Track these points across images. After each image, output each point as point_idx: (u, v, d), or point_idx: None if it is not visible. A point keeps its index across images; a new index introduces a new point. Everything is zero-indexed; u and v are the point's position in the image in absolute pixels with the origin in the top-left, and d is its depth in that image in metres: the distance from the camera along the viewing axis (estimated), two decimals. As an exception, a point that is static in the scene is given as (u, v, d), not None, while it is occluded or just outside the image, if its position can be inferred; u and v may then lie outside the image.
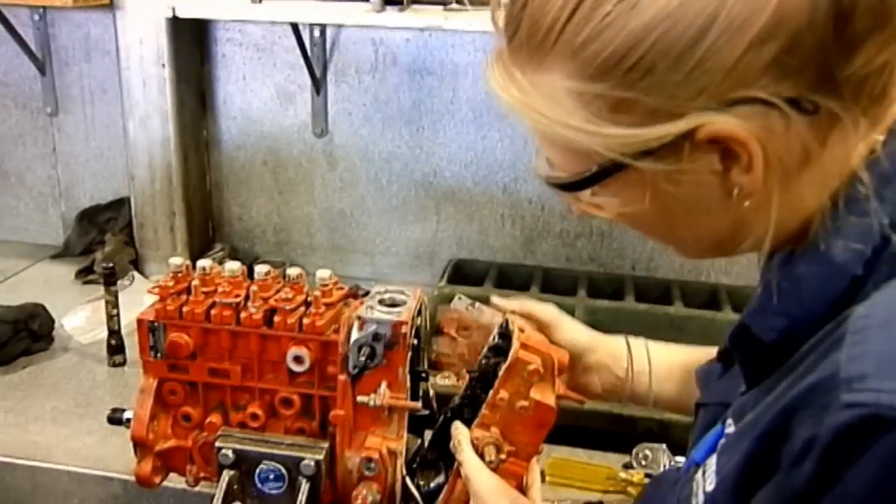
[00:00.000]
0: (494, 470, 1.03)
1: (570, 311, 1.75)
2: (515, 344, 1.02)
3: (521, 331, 1.04)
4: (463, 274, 1.98)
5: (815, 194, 0.68)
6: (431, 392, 1.17)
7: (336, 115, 1.98)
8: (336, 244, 2.10)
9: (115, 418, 1.15)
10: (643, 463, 1.34)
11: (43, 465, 1.35)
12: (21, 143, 2.17)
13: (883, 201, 0.65)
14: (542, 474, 1.33)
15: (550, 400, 1.05)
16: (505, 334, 1.07)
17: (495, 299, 1.15)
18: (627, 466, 1.34)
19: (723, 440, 0.71)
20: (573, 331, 1.13)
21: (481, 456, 1.02)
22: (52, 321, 1.71)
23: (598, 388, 1.13)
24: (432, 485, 1.09)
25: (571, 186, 0.70)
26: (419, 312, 1.12)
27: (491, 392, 1.03)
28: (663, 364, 1.10)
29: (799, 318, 0.68)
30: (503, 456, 1.03)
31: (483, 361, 1.08)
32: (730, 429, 0.72)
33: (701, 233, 0.73)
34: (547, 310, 1.14)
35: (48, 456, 1.36)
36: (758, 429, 0.63)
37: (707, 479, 0.69)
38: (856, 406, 0.55)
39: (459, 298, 1.93)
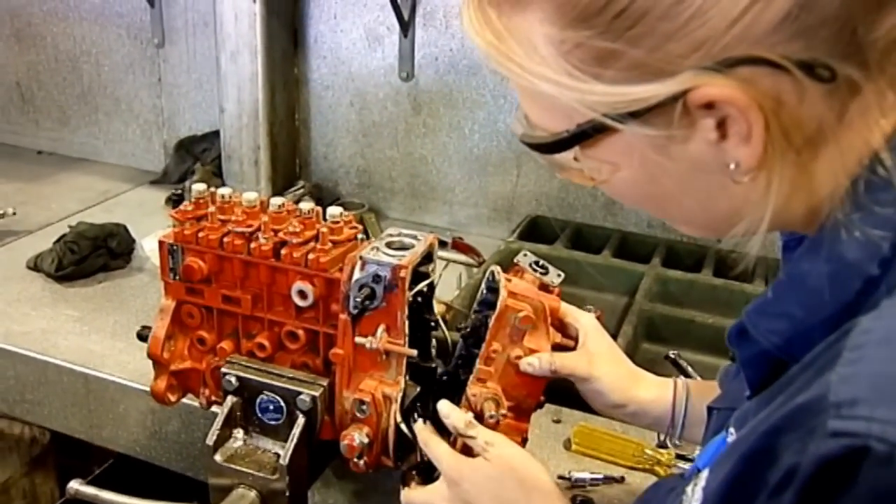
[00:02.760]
0: (496, 426, 1.00)
1: (639, 278, 1.70)
2: (502, 293, 0.98)
3: (508, 280, 0.99)
4: (538, 231, 1.93)
5: (829, 177, 0.59)
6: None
7: (422, 59, 1.96)
8: (416, 190, 2.08)
9: (143, 335, 1.19)
10: (677, 443, 1.26)
11: (94, 373, 1.42)
12: (131, 73, 2.27)
13: None
14: (568, 441, 1.29)
15: (546, 347, 1.01)
16: (493, 287, 1.03)
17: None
18: (662, 445, 1.27)
19: (722, 451, 0.65)
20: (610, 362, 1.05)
21: (480, 413, 0.99)
22: (132, 241, 1.80)
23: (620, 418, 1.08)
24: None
25: (548, 148, 0.64)
26: (430, 259, 1.09)
27: (483, 345, 1.00)
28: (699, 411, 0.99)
29: (802, 322, 0.60)
30: (503, 411, 1.00)
31: (472, 317, 1.04)
32: (731, 437, 0.66)
33: (692, 209, 0.65)
34: (585, 318, 1.07)
35: (100, 365, 1.44)
36: (743, 447, 0.56)
37: (695, 495, 0.63)
38: (843, 435, 0.49)
39: (525, 255, 1.89)
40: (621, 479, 1.22)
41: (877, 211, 0.57)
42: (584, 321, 1.05)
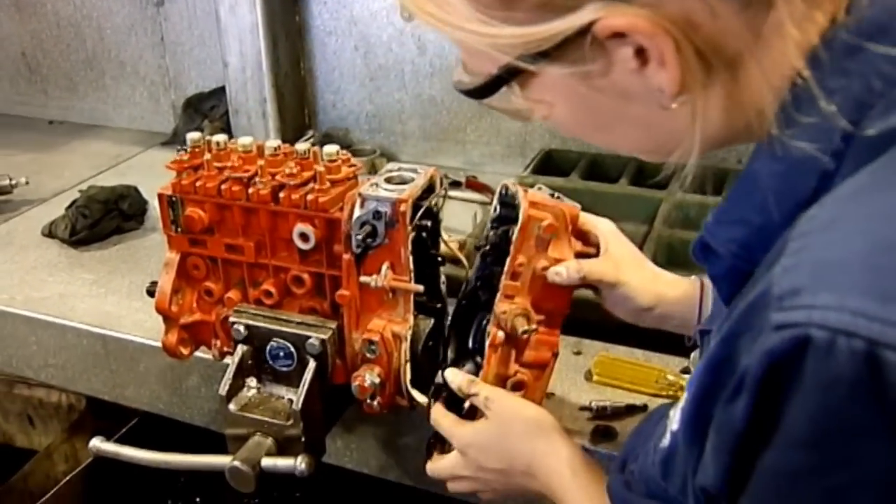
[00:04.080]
0: (527, 342, 0.99)
1: (658, 205, 1.65)
2: (523, 203, 0.95)
3: (525, 191, 0.97)
4: (553, 164, 1.89)
5: (757, 93, 0.58)
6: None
7: (424, -4, 1.90)
8: (427, 132, 2.04)
9: (152, 291, 1.18)
10: (702, 364, 1.23)
11: (112, 334, 1.42)
12: (133, 34, 2.24)
13: (832, 93, 0.55)
14: (589, 372, 1.26)
15: (570, 256, 1.00)
16: (506, 202, 1.00)
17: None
18: (685, 371, 1.24)
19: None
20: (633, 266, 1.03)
21: (512, 330, 0.97)
22: (144, 202, 1.79)
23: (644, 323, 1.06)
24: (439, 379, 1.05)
25: (474, 93, 0.65)
26: (432, 193, 1.06)
27: (508, 260, 0.97)
28: None
29: (760, 227, 0.59)
30: (534, 326, 0.99)
31: (490, 234, 1.02)
32: None
33: (635, 137, 0.66)
34: (603, 224, 1.06)
35: (118, 326, 1.43)
36: (708, 357, 0.55)
37: (675, 417, 0.62)
38: (785, 327, 0.47)
39: (539, 189, 1.85)
40: (644, 408, 1.19)
41: (811, 120, 0.56)
42: (603, 227, 1.04)
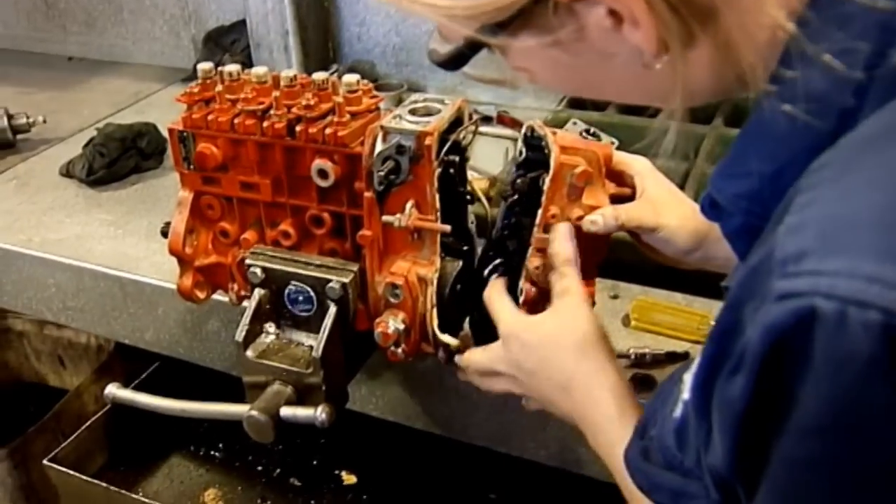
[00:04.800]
0: None
1: (700, 140, 1.55)
2: (554, 149, 0.87)
3: (553, 133, 0.88)
4: (588, 98, 1.79)
5: (744, 41, 0.54)
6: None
7: (452, -82, 1.79)
8: (457, 65, 1.95)
9: (165, 231, 1.13)
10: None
11: (130, 276, 1.38)
12: (151, -36, 2.16)
13: (847, 20, 0.49)
14: (626, 318, 1.19)
15: (604, 202, 0.92)
16: (532, 144, 0.92)
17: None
18: (729, 315, 1.17)
19: None
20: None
21: (544, 285, 0.90)
22: (163, 140, 1.72)
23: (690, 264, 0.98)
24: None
25: (444, 64, 0.62)
26: (460, 125, 0.98)
27: (539, 213, 0.90)
28: None
29: (771, 178, 0.53)
30: None
31: (517, 182, 0.94)
32: None
33: (628, 92, 0.64)
34: (639, 163, 0.97)
35: (135, 268, 1.39)
36: (715, 326, 0.50)
37: (686, 386, 0.57)
38: (788, 297, 0.41)
39: (574, 124, 1.75)
40: (685, 355, 1.12)
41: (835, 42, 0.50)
42: (639, 166, 0.95)
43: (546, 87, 0.66)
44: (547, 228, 0.91)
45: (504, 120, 1.77)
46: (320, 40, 1.99)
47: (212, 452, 1.39)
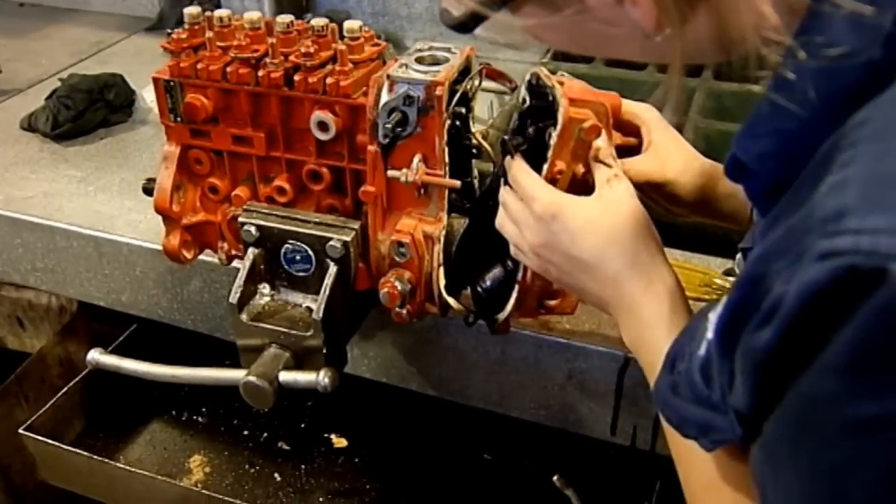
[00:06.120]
0: None
1: (691, 94, 1.53)
2: (562, 101, 0.82)
3: (561, 84, 0.84)
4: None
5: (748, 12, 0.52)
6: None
7: None
8: (436, 14, 1.86)
9: (148, 189, 1.06)
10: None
11: (105, 235, 1.31)
12: None
13: None
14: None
15: (612, 154, 0.87)
16: (538, 92, 0.87)
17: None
18: (728, 273, 1.15)
19: None
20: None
21: None
22: (131, 92, 1.64)
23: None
24: (488, 281, 0.94)
25: (458, 26, 0.60)
26: (467, 75, 0.93)
27: (545, 167, 0.85)
28: None
29: (798, 135, 0.51)
30: None
31: (528, 130, 0.88)
32: None
33: (630, 55, 0.61)
34: (646, 112, 0.94)
35: (110, 227, 1.32)
36: (742, 276, 0.50)
37: (710, 325, 0.56)
38: (829, 256, 0.40)
39: (562, 75, 1.71)
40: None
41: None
42: (646, 115, 0.92)
43: (557, 47, 0.64)
44: (553, 183, 0.87)
45: (489, 72, 1.71)
46: (293, -12, 1.90)
47: (195, 417, 1.35)
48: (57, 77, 1.68)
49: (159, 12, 2.07)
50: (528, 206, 0.80)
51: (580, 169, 0.87)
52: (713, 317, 0.56)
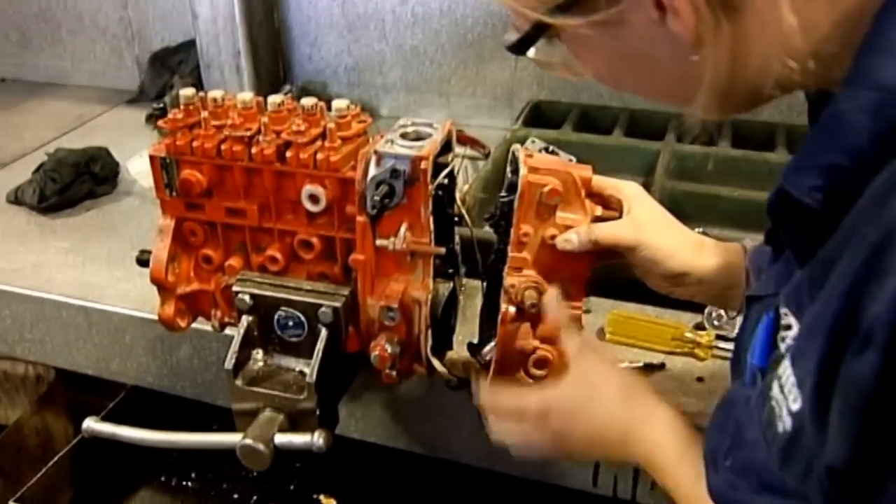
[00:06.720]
0: (539, 315, 0.93)
1: (655, 156, 1.61)
2: (522, 169, 0.89)
3: (529, 156, 0.90)
4: (542, 116, 1.83)
5: (768, 40, 0.58)
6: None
7: (405, -60, 1.81)
8: (410, 84, 1.96)
9: (143, 260, 1.10)
10: (716, 323, 1.20)
11: (94, 305, 1.34)
12: (90, -18, 2.11)
13: None
14: (601, 331, 1.22)
15: (584, 222, 0.92)
16: (517, 169, 0.93)
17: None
18: (699, 327, 1.20)
19: (791, 342, 0.57)
20: (670, 235, 0.94)
21: (521, 303, 0.91)
22: (116, 164, 1.69)
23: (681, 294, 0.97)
24: (487, 356, 0.99)
25: (513, 48, 0.69)
26: (449, 148, 0.99)
27: (512, 231, 0.91)
28: None
29: (847, 170, 0.54)
30: None
31: (500, 202, 0.95)
32: (787, 319, 0.58)
33: (673, 86, 0.66)
34: (629, 188, 0.96)
35: (100, 296, 1.35)
36: (826, 319, 0.49)
37: (790, 396, 0.54)
38: None
39: (533, 142, 1.78)
40: (661, 366, 1.16)
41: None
42: (628, 190, 0.95)
43: (597, 76, 0.70)
44: (520, 247, 0.93)
45: (461, 138, 1.79)
46: (272, 60, 1.97)
47: (184, 483, 1.37)
48: (43, 151, 1.72)
49: (140, 84, 2.13)
50: (520, 416, 0.86)
51: (548, 231, 0.92)
52: (784, 392, 0.55)
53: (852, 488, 0.48)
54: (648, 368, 1.15)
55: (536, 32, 0.66)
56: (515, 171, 0.96)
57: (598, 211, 0.95)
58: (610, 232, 0.91)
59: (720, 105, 0.63)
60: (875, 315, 0.45)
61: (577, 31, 0.63)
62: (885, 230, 0.46)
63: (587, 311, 1.26)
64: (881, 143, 0.51)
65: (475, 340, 1.04)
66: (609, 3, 0.60)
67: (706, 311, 1.22)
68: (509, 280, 0.93)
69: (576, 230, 0.91)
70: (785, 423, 0.55)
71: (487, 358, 0.96)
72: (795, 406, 0.53)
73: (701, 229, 1.42)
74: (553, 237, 0.92)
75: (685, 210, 1.49)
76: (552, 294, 0.91)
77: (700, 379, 1.13)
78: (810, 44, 0.57)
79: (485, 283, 1.02)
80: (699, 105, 0.62)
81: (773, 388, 0.57)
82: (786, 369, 0.55)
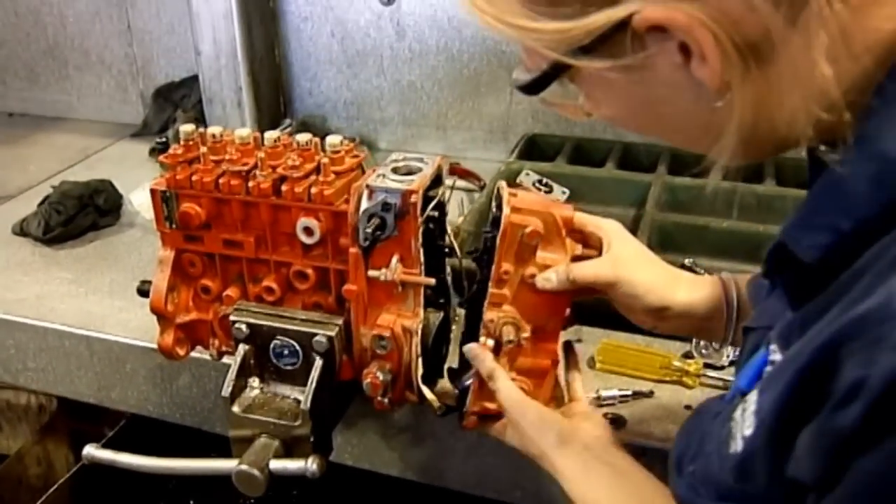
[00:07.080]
0: (518, 351, 0.95)
1: (647, 188, 1.64)
2: (505, 209, 0.92)
3: (513, 195, 0.93)
4: (537, 149, 1.87)
5: (792, 91, 0.57)
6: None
7: (402, -21, 1.86)
8: (407, 118, 2.01)
9: (143, 290, 1.13)
10: (703, 352, 1.23)
11: (96, 335, 1.37)
12: (98, 21, 2.17)
13: None
14: (592, 360, 1.25)
15: (564, 261, 0.94)
16: (501, 205, 0.96)
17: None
18: (687, 356, 1.23)
19: (767, 369, 0.60)
20: (645, 269, 0.96)
21: (499, 339, 0.94)
22: (119, 197, 1.73)
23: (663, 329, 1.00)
24: (465, 381, 1.02)
25: (526, 88, 0.67)
26: (439, 181, 1.03)
27: (493, 268, 0.94)
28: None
29: (848, 233, 0.56)
30: (524, 334, 0.95)
31: (484, 239, 0.98)
32: (774, 355, 0.61)
33: (690, 131, 0.65)
34: (608, 225, 0.99)
35: (101, 326, 1.38)
36: (801, 361, 0.52)
37: (746, 421, 0.58)
38: None
39: (527, 174, 1.82)
40: (650, 394, 1.18)
41: None
42: (607, 227, 0.97)
43: (612, 119, 0.69)
44: (501, 283, 0.94)
45: (457, 171, 1.83)
46: (273, 96, 2.02)
47: (182, 510, 1.39)
48: (49, 183, 1.76)
49: (144, 119, 2.18)
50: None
51: (528, 270, 0.95)
52: (743, 415, 0.58)
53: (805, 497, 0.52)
54: (638, 396, 1.18)
55: (554, 73, 0.64)
56: (500, 207, 0.99)
57: (578, 250, 0.97)
58: (588, 271, 0.93)
59: (745, 151, 0.62)
60: (856, 378, 0.47)
61: (597, 74, 0.61)
62: (879, 302, 0.48)
63: (579, 341, 1.29)
64: (882, 210, 0.53)
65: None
66: (635, 48, 0.58)
67: (694, 340, 1.25)
68: (489, 315, 0.95)
69: (554, 270, 0.93)
70: (737, 445, 0.58)
71: (466, 383, 0.99)
72: (748, 432, 0.57)
73: (691, 260, 1.46)
74: (532, 276, 0.94)
75: (676, 241, 1.53)
76: (468, 348, 0.96)
77: (688, 407, 1.15)
78: (846, 95, 0.56)
79: (465, 314, 1.05)
80: (722, 151, 0.61)
81: (737, 410, 0.60)
82: (753, 396, 0.58)
